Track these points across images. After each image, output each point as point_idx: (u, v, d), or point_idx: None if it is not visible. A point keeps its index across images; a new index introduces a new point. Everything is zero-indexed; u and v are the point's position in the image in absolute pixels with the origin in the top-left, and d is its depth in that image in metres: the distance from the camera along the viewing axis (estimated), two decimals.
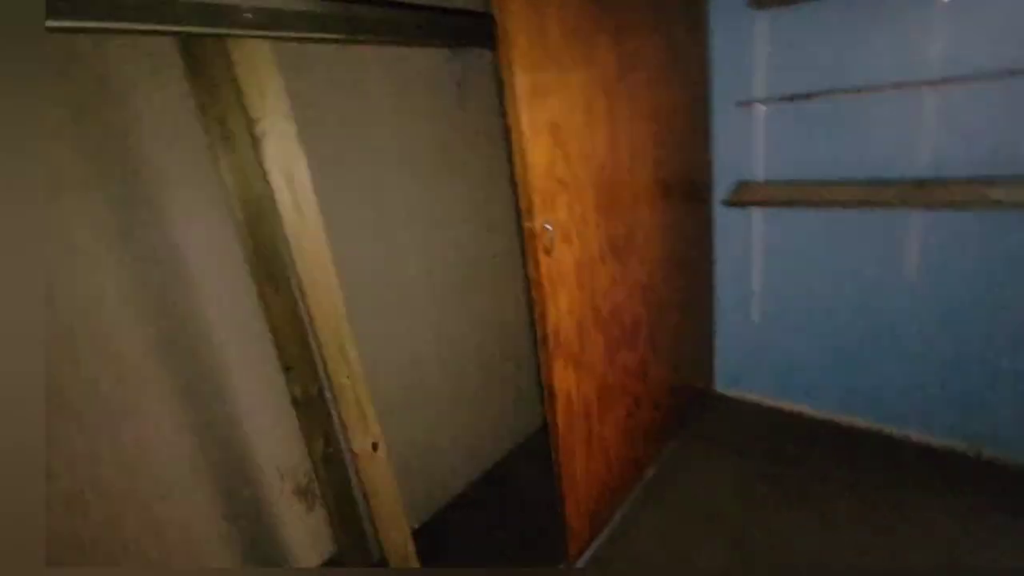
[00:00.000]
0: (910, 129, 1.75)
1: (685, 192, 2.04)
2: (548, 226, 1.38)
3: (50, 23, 0.78)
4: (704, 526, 1.79)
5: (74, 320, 1.18)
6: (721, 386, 2.54)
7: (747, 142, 2.07)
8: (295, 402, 1.50)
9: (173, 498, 1.39)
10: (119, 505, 1.29)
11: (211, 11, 0.97)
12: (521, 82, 1.25)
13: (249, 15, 1.03)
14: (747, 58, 1.97)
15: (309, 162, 1.12)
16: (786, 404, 2.35)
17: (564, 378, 1.53)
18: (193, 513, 1.44)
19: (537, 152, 1.33)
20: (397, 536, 1.54)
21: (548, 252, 1.40)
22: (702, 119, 2.11)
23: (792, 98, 1.92)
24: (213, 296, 1.41)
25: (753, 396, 2.44)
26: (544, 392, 1.52)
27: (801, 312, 2.17)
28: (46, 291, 1.14)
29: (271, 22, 1.06)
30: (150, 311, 1.31)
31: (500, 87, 1.37)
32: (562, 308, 1.48)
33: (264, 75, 1.08)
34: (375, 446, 1.46)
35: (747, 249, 2.22)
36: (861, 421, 2.14)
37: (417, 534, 1.59)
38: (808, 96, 1.87)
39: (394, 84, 1.69)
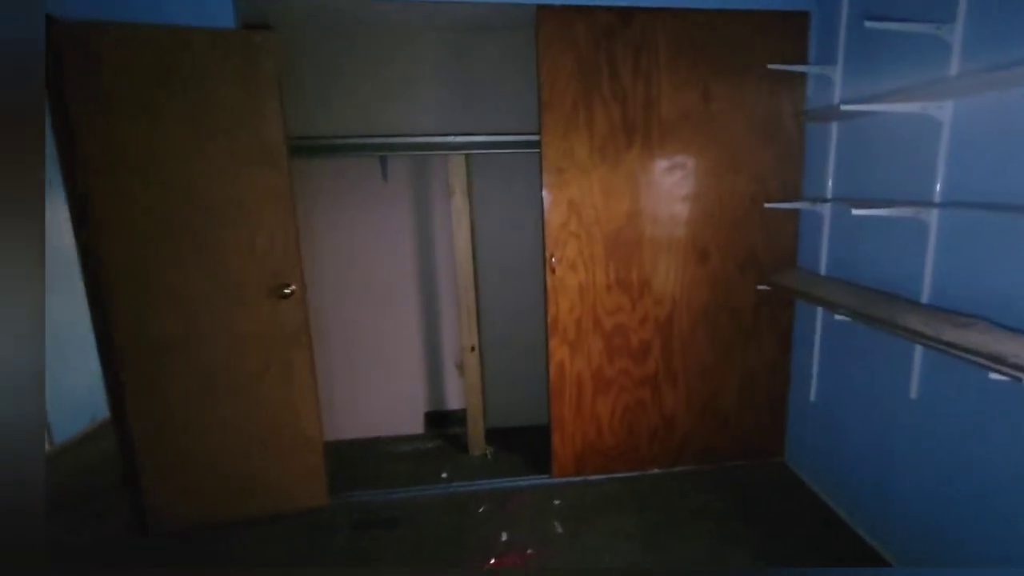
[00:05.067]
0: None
1: (735, 266, 2.46)
2: (554, 258, 2.41)
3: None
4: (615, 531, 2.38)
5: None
6: (789, 461, 2.62)
7: (815, 236, 2.27)
8: (458, 317, 3.05)
9: (409, 353, 3.19)
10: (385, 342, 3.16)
11: (446, 146, 2.59)
12: (547, 176, 2.34)
13: (457, 143, 2.59)
14: (821, 161, 2.20)
15: (475, 203, 2.62)
16: (822, 494, 2.34)
17: (559, 351, 2.50)
18: (414, 366, 3.20)
19: (554, 215, 2.37)
20: (475, 402, 2.93)
21: (554, 272, 2.42)
22: (769, 212, 2.40)
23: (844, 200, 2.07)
24: (444, 260, 3.09)
25: (803, 476, 2.49)
26: (548, 357, 2.55)
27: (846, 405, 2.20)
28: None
29: (464, 147, 2.60)
30: (425, 263, 3.10)
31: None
32: (563, 308, 2.46)
33: (457, 167, 2.63)
34: (472, 348, 2.87)
35: (811, 330, 2.36)
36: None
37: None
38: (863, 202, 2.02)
39: (506, 168, 2.94)
